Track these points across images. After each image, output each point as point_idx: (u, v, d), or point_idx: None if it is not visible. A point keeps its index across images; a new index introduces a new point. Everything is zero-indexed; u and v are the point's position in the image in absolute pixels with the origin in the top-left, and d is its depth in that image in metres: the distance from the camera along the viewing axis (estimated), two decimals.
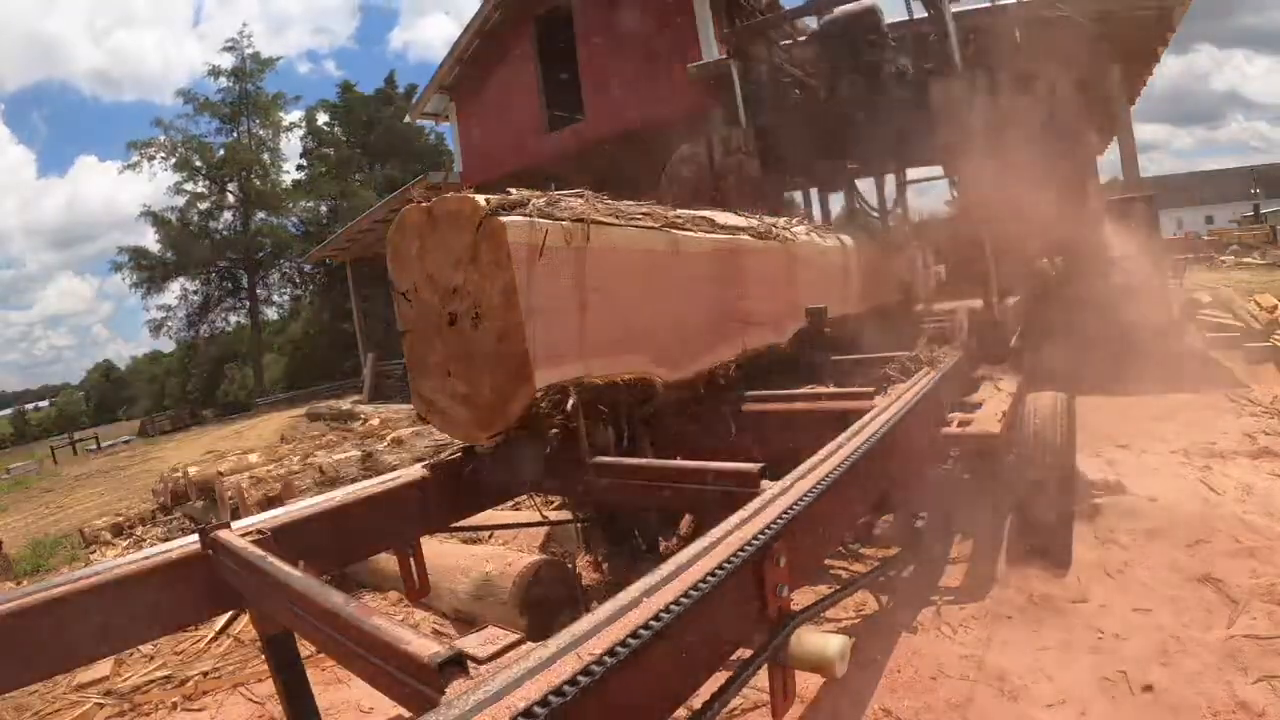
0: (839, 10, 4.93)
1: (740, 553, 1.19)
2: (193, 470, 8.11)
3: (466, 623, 3.26)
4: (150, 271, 32.16)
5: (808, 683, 2.38)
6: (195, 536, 1.73)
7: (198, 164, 31.66)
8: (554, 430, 1.96)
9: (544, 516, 3.70)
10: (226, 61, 32.79)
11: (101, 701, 3.27)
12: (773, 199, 4.82)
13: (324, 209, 32.51)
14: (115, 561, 1.65)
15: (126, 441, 25.46)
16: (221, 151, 32.16)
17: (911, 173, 5.48)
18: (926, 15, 4.73)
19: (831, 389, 2.74)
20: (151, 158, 31.27)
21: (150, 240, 32.64)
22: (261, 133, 33.37)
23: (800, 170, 5.19)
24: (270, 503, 5.39)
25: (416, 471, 2.25)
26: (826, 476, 1.57)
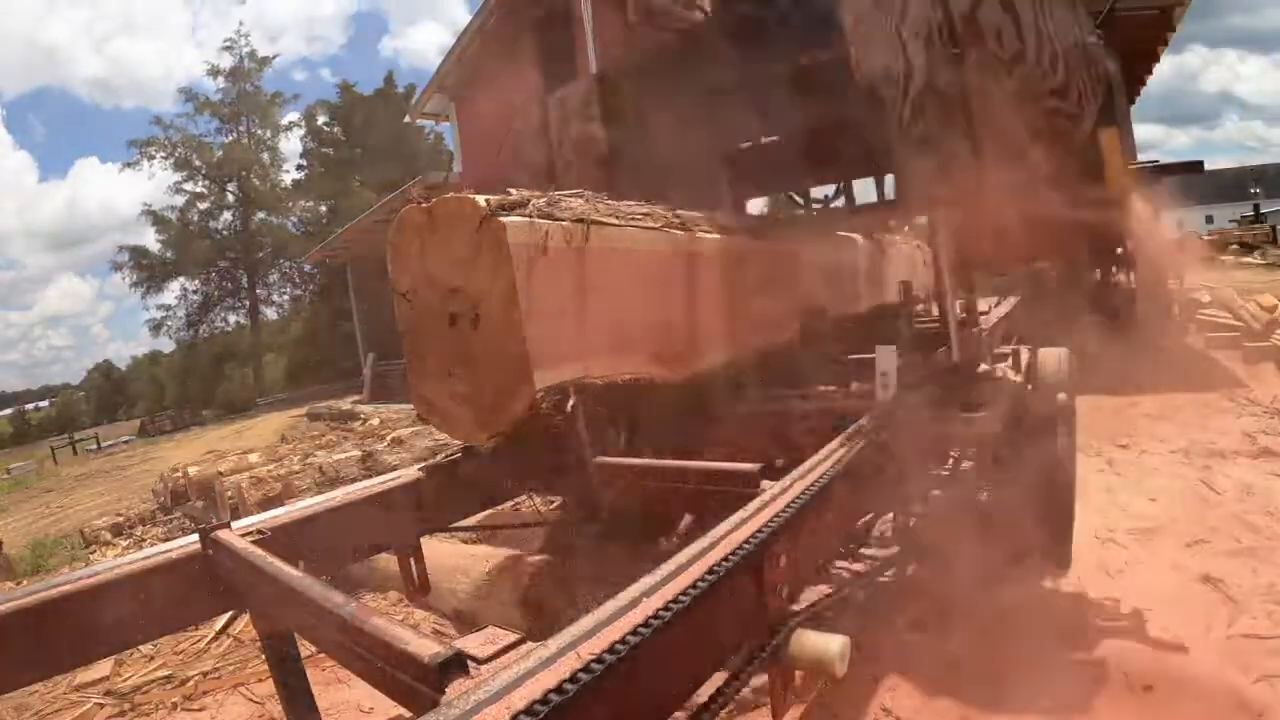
0: None
1: (740, 552, 1.19)
2: (193, 470, 8.11)
3: (466, 623, 3.26)
4: (150, 271, 32.20)
5: (807, 683, 2.38)
6: (195, 536, 1.73)
7: (197, 163, 31.70)
8: (554, 430, 1.96)
9: (544, 516, 3.70)
10: (225, 61, 32.87)
11: (101, 701, 3.27)
12: (642, 182, 2.94)
13: (324, 209, 32.49)
14: (115, 561, 1.65)
15: (126, 441, 25.46)
16: (220, 152, 32.19)
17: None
18: None
19: (831, 389, 2.74)
20: (151, 157, 31.34)
21: (150, 240, 32.71)
22: (260, 132, 33.42)
23: (677, 138, 3.18)
24: (270, 503, 5.39)
25: (416, 472, 2.25)
26: (826, 476, 1.57)
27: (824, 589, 2.18)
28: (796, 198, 4.61)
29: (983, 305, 4.70)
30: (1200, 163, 3.28)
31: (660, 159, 2.98)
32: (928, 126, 2.05)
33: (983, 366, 3.22)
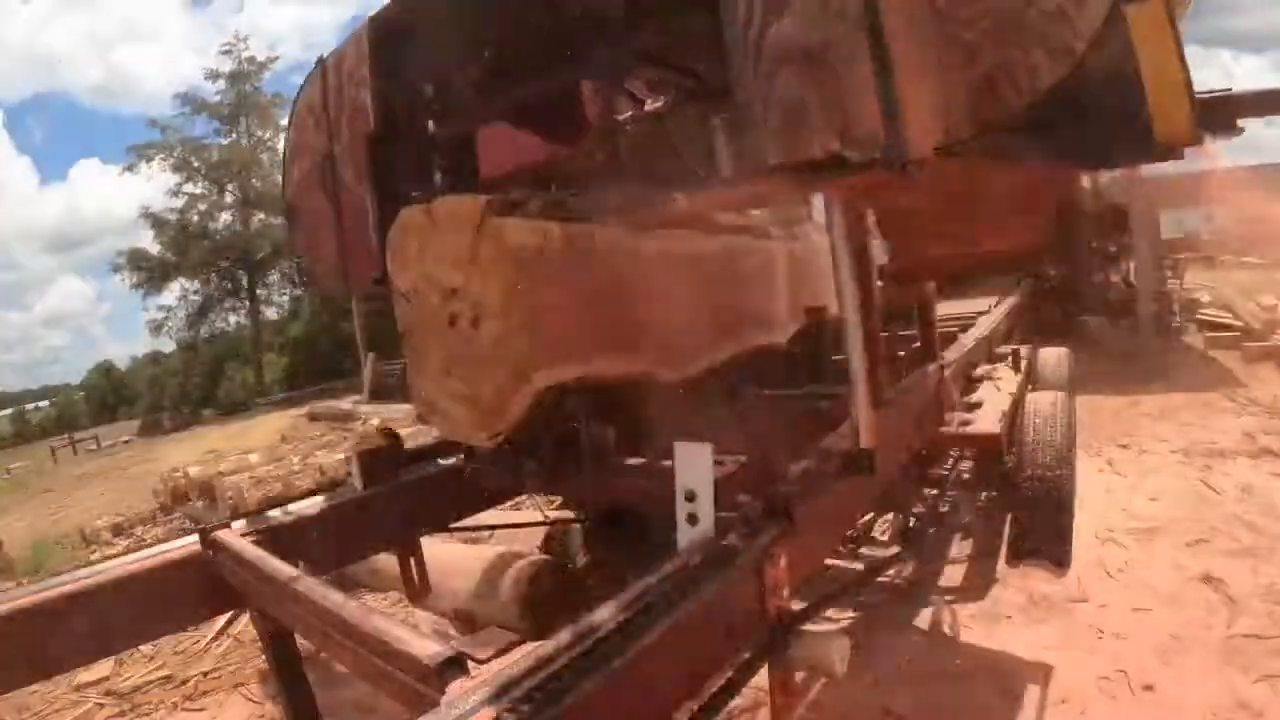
0: None
1: (740, 553, 1.19)
2: (193, 470, 8.11)
3: (466, 623, 3.26)
4: (150, 272, 32.20)
5: (807, 683, 2.38)
6: (195, 536, 1.73)
7: (196, 165, 31.70)
8: (554, 430, 1.96)
9: (544, 516, 3.69)
10: (225, 65, 32.89)
11: (101, 701, 3.27)
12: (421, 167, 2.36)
13: None
14: (115, 561, 1.65)
15: (127, 442, 25.47)
16: (217, 154, 32.19)
17: None
18: None
19: (831, 389, 2.74)
20: (150, 159, 31.33)
21: (150, 242, 32.72)
22: (260, 134, 33.43)
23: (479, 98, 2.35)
24: (270, 503, 5.39)
25: (416, 472, 2.25)
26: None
27: (824, 589, 2.18)
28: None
29: (982, 305, 4.70)
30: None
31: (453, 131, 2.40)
32: (795, 31, 1.24)
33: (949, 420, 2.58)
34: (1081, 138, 1.15)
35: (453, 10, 2.10)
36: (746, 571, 1.21)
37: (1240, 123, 1.48)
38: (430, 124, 2.33)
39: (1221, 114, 1.40)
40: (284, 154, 2.63)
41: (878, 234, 2.37)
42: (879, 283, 2.14)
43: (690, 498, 1.24)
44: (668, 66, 2.16)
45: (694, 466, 1.24)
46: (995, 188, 1.98)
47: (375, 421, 11.10)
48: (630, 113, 2.40)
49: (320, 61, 2.35)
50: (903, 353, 2.69)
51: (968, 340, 3.41)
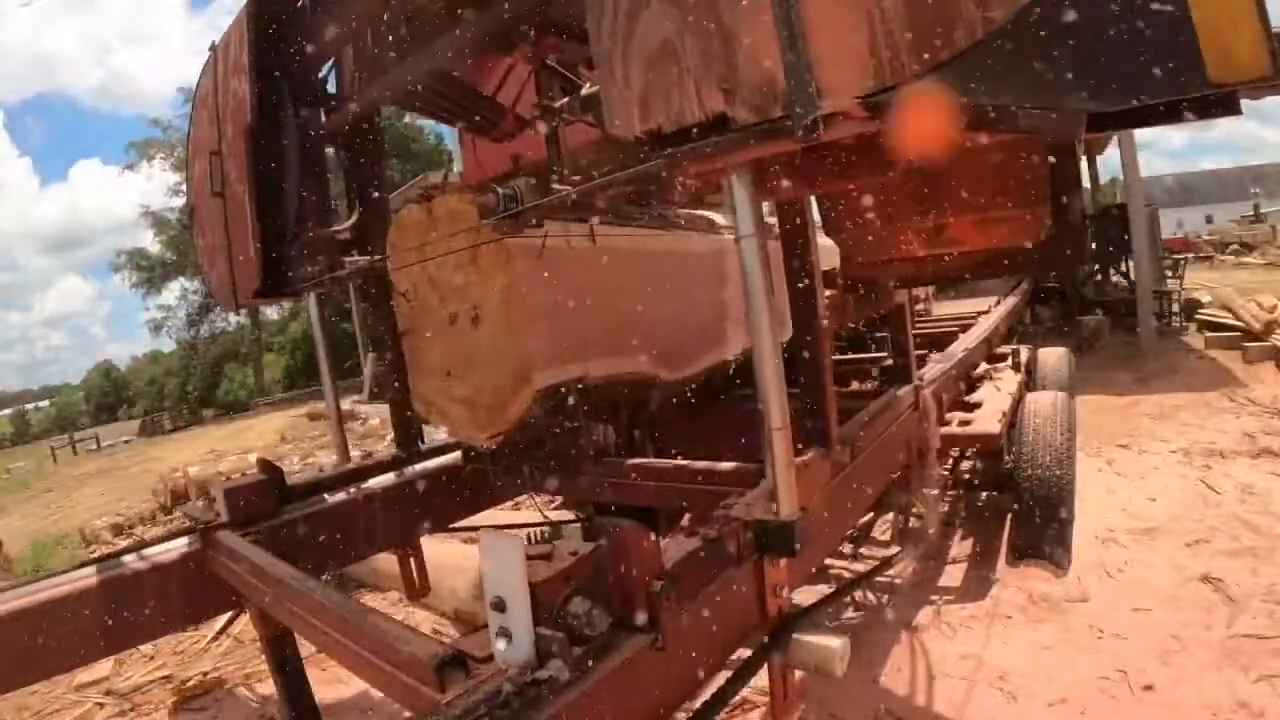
0: None
1: (740, 552, 1.19)
2: (193, 470, 8.12)
3: (466, 623, 3.26)
4: (150, 272, 32.20)
5: (807, 682, 2.38)
6: (195, 536, 1.74)
7: None
8: (554, 430, 1.96)
9: (544, 516, 3.69)
10: None
11: (101, 701, 3.27)
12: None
13: None
14: (115, 561, 1.65)
15: (127, 441, 25.47)
16: None
17: None
18: None
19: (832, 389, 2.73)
20: (151, 158, 31.33)
21: (150, 241, 32.71)
22: None
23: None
24: None
25: (417, 471, 2.25)
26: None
27: (824, 589, 2.18)
28: None
29: (982, 305, 4.70)
30: None
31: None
32: None
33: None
34: (1092, 77, 0.75)
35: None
36: (746, 571, 1.21)
37: None
38: (321, 114, 2.04)
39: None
40: (187, 151, 2.34)
41: (823, 231, 2.04)
42: (828, 292, 1.74)
43: (499, 607, 0.89)
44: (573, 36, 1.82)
45: (501, 566, 0.90)
46: (970, 167, 1.67)
47: (375, 421, 11.10)
48: (567, 99, 2.10)
49: (212, 48, 2.02)
50: (875, 374, 2.34)
51: (956, 350, 3.12)
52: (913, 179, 1.78)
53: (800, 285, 1.37)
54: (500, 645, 0.89)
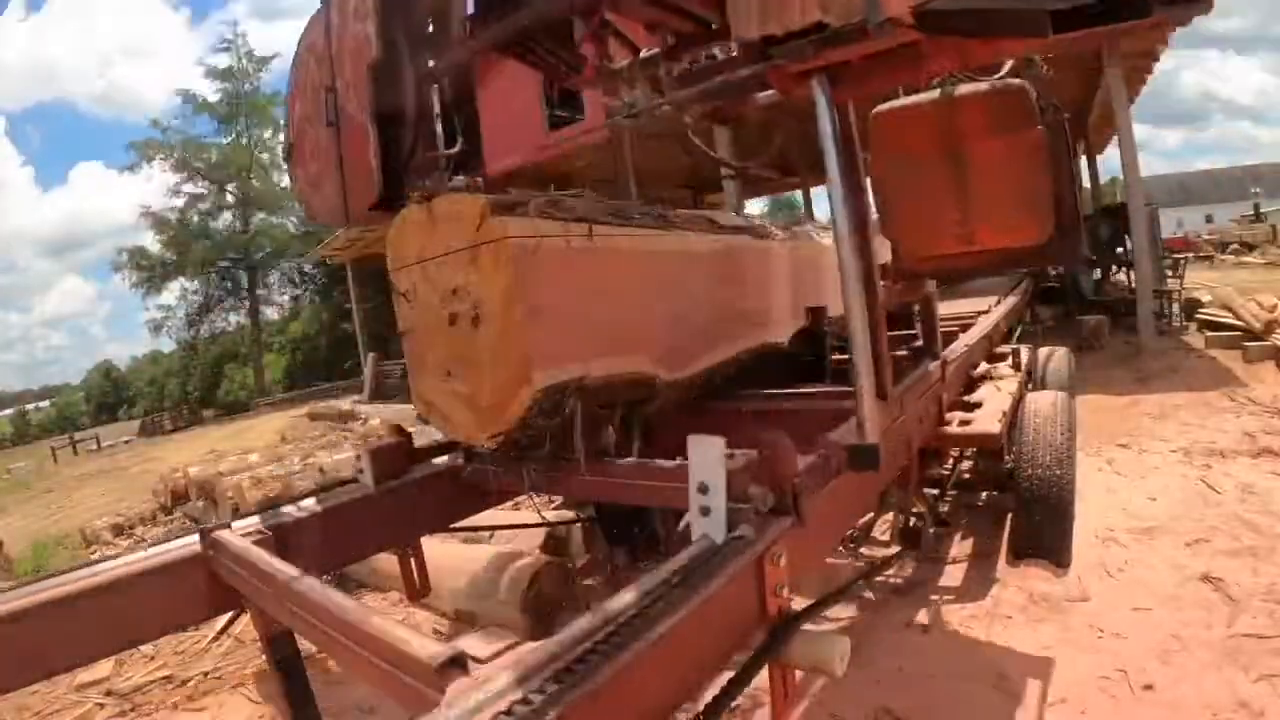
0: None
1: (740, 552, 1.19)
2: (193, 470, 8.12)
3: (466, 623, 3.26)
4: (150, 272, 32.20)
5: (808, 682, 2.38)
6: (195, 536, 1.73)
7: (196, 165, 31.70)
8: (553, 431, 1.96)
9: (544, 516, 3.69)
10: (223, 62, 32.89)
11: (102, 701, 3.27)
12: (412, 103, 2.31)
13: None
14: (115, 561, 1.65)
15: (127, 442, 25.46)
16: (218, 154, 32.18)
17: None
18: None
19: (831, 388, 2.74)
20: (151, 159, 31.33)
21: (150, 242, 32.71)
22: (259, 133, 33.42)
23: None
24: (270, 503, 5.39)
25: (416, 472, 2.25)
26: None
27: (824, 589, 2.18)
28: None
29: (982, 304, 4.70)
30: None
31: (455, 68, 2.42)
32: None
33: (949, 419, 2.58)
34: None
35: None
36: (747, 571, 1.21)
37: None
38: (429, 57, 2.31)
39: None
40: (286, 96, 2.70)
41: (879, 233, 2.44)
42: (882, 282, 2.13)
43: (703, 490, 1.27)
44: (667, 7, 2.09)
45: (707, 460, 1.28)
46: (993, 163, 2.13)
47: (375, 422, 11.10)
48: (628, 60, 2.32)
49: (324, 3, 2.40)
50: (905, 350, 2.70)
51: (970, 338, 3.42)
52: (953, 193, 2.23)
53: (862, 275, 1.68)
54: (700, 518, 1.26)
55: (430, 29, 2.33)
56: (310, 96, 2.50)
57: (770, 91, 1.72)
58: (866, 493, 2.02)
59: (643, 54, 2.34)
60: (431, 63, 2.30)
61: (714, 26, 2.13)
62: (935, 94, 2.24)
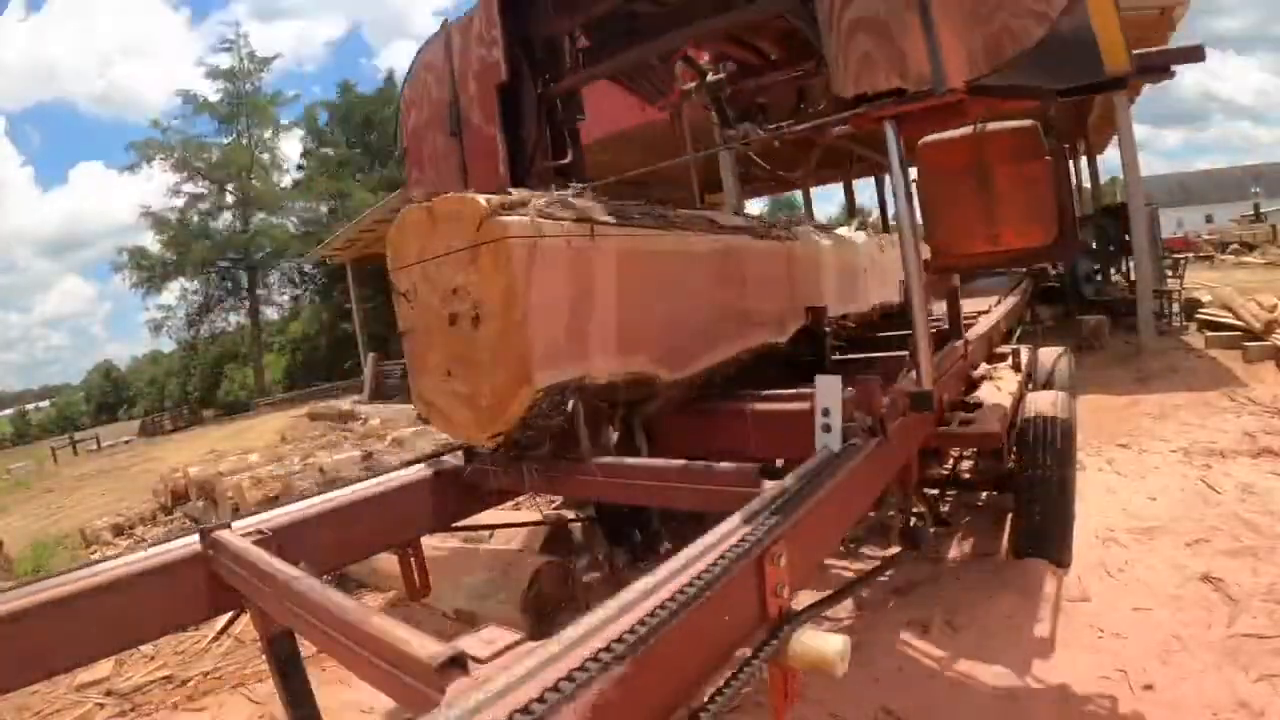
0: None
1: (740, 552, 1.19)
2: (193, 470, 8.12)
3: (466, 623, 3.26)
4: (150, 272, 32.19)
5: (808, 682, 2.38)
6: (195, 536, 1.73)
7: (197, 165, 31.70)
8: (554, 430, 1.96)
9: (544, 516, 3.70)
10: (224, 62, 32.90)
11: (102, 701, 3.27)
12: (531, 120, 2.79)
13: (324, 209, 32.50)
14: (115, 561, 1.65)
15: (127, 442, 25.46)
16: (219, 153, 32.18)
17: None
18: None
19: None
20: (151, 159, 31.32)
21: (150, 241, 32.70)
22: (259, 133, 33.43)
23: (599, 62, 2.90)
24: (270, 503, 5.39)
25: (416, 471, 2.25)
26: (827, 476, 1.56)
27: (824, 589, 2.18)
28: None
29: (982, 304, 4.71)
30: (1200, 48, 2.33)
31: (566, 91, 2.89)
32: (866, 2, 1.78)
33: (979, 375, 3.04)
34: (1056, 72, 1.74)
35: None
36: (747, 570, 1.21)
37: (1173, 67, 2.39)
38: (544, 81, 2.83)
39: (1148, 60, 2.25)
40: (398, 106, 3.19)
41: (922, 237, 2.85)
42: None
43: (825, 414, 1.73)
44: (739, 43, 2.89)
45: (829, 392, 1.74)
46: (1013, 185, 2.81)
47: (375, 422, 11.10)
48: (694, 83, 3.05)
49: (444, 27, 2.89)
50: (934, 330, 3.07)
51: (981, 327, 3.82)
52: (982, 205, 2.84)
53: (909, 269, 2.06)
54: (823, 434, 1.72)
55: (547, 57, 2.82)
56: (428, 108, 2.97)
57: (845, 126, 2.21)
58: (923, 428, 2.37)
59: (709, 78, 3.03)
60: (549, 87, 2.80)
61: (773, 58, 3.02)
62: (968, 130, 2.84)
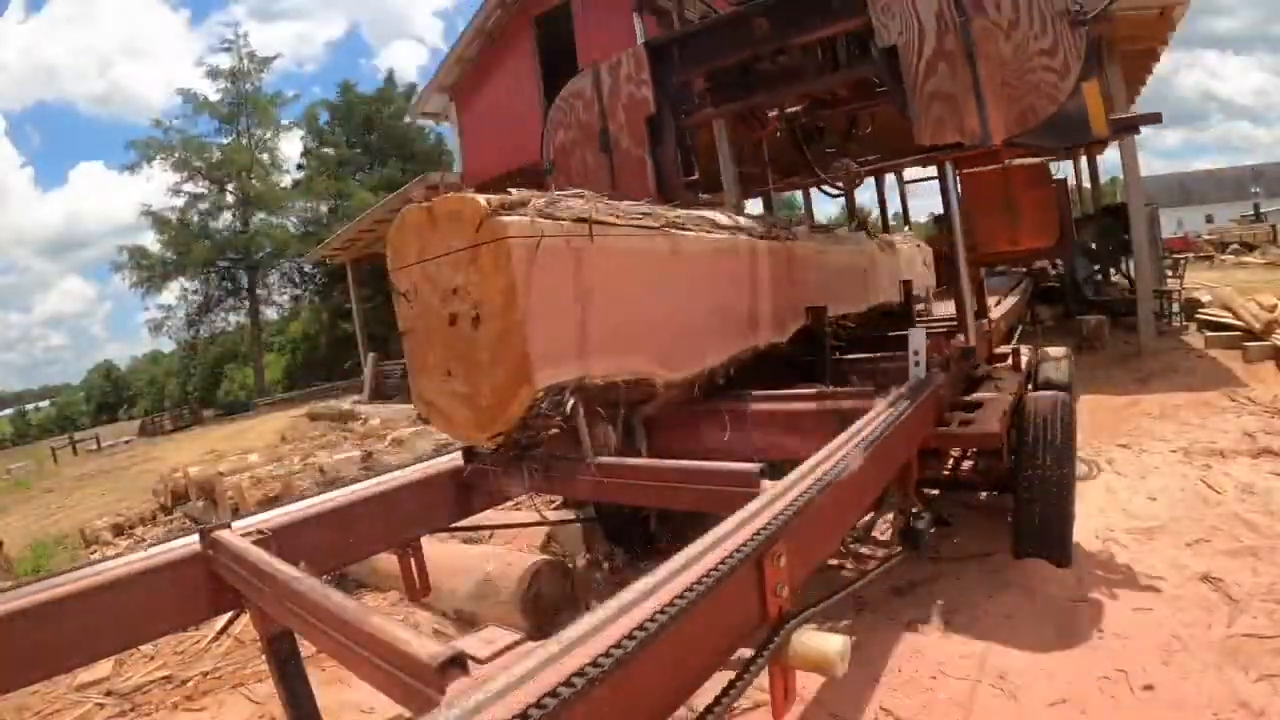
0: None
1: (740, 552, 1.19)
2: (193, 470, 8.12)
3: (466, 623, 3.26)
4: (150, 271, 32.18)
5: (808, 682, 2.38)
6: (195, 536, 1.73)
7: (197, 164, 31.69)
8: (554, 430, 1.96)
9: (544, 516, 3.70)
10: (224, 62, 32.89)
11: (102, 701, 3.27)
12: (667, 144, 3.49)
13: (324, 209, 32.49)
14: (115, 561, 1.65)
15: (127, 442, 25.43)
16: (219, 153, 32.17)
17: None
18: None
19: (831, 389, 2.74)
20: (151, 159, 31.31)
21: (150, 241, 32.68)
22: (260, 132, 33.41)
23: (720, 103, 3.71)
24: (270, 503, 5.39)
25: (416, 471, 2.25)
26: (826, 476, 1.56)
27: (824, 589, 2.18)
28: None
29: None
30: (1159, 115, 3.86)
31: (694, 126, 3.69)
32: (939, 82, 2.62)
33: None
34: (1060, 135, 3.03)
35: (697, 45, 3.42)
36: (747, 571, 1.21)
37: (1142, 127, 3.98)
38: (680, 115, 3.56)
39: (1120, 123, 3.82)
40: (546, 126, 3.91)
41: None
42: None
43: (915, 353, 2.68)
44: (818, 98, 4.20)
45: (918, 337, 2.71)
46: (1029, 204, 4.18)
47: (375, 422, 11.10)
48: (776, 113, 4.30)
49: (593, 66, 3.68)
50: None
51: (995, 314, 4.39)
52: (1007, 218, 4.29)
53: (959, 261, 3.09)
54: (914, 368, 2.67)
55: (679, 96, 3.53)
56: (577, 129, 3.76)
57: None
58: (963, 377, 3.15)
59: (788, 110, 4.29)
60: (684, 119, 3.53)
61: (842, 94, 4.14)
62: (999, 166, 4.09)
